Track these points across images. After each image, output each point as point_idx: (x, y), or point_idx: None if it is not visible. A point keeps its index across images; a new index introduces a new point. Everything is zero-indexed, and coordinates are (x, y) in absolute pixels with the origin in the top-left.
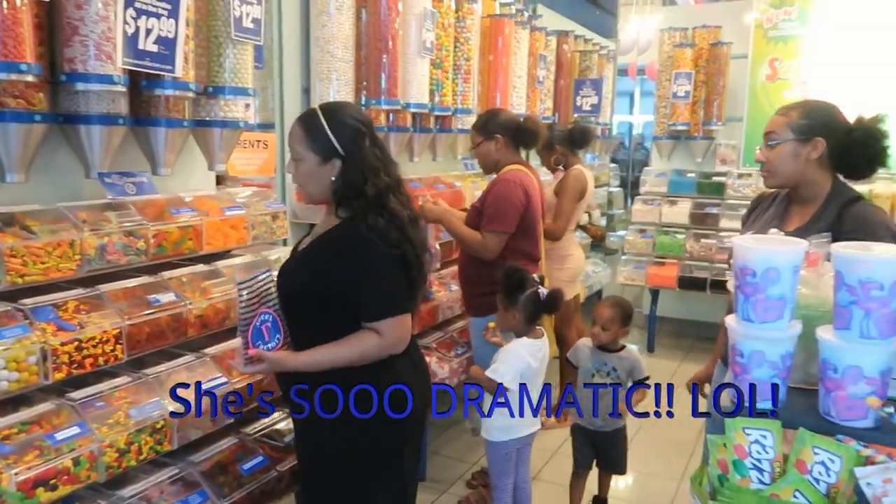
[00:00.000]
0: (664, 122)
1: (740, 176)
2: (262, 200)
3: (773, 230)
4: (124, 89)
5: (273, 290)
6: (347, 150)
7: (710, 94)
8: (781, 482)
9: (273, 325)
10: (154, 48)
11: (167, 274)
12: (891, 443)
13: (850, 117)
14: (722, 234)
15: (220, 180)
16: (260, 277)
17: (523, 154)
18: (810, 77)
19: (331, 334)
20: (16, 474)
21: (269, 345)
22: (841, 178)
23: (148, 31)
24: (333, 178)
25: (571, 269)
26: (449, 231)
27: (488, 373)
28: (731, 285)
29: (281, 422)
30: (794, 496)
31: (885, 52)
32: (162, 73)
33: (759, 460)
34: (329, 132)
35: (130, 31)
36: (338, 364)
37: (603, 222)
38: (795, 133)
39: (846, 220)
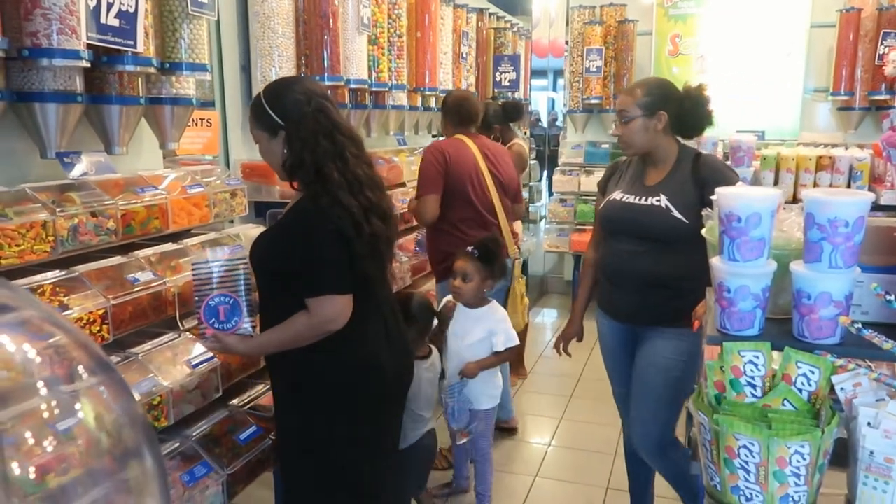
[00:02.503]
0: (578, 97)
1: None
2: (216, 178)
3: (658, 199)
4: (88, 65)
5: (242, 272)
6: (288, 120)
7: (620, 69)
8: (772, 394)
9: (233, 307)
10: (116, 22)
11: (139, 253)
12: (856, 354)
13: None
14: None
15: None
16: (233, 261)
17: None
18: (707, 51)
19: (286, 313)
20: (25, 462)
21: (226, 325)
22: (679, 139)
23: (109, 5)
24: (285, 150)
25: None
26: None
27: (503, 345)
28: (706, 232)
29: (266, 394)
30: (783, 404)
31: (762, 29)
32: (124, 48)
33: (752, 377)
34: (267, 107)
35: (92, 4)
36: (276, 346)
37: (525, 194)
38: (642, 109)
39: (702, 169)
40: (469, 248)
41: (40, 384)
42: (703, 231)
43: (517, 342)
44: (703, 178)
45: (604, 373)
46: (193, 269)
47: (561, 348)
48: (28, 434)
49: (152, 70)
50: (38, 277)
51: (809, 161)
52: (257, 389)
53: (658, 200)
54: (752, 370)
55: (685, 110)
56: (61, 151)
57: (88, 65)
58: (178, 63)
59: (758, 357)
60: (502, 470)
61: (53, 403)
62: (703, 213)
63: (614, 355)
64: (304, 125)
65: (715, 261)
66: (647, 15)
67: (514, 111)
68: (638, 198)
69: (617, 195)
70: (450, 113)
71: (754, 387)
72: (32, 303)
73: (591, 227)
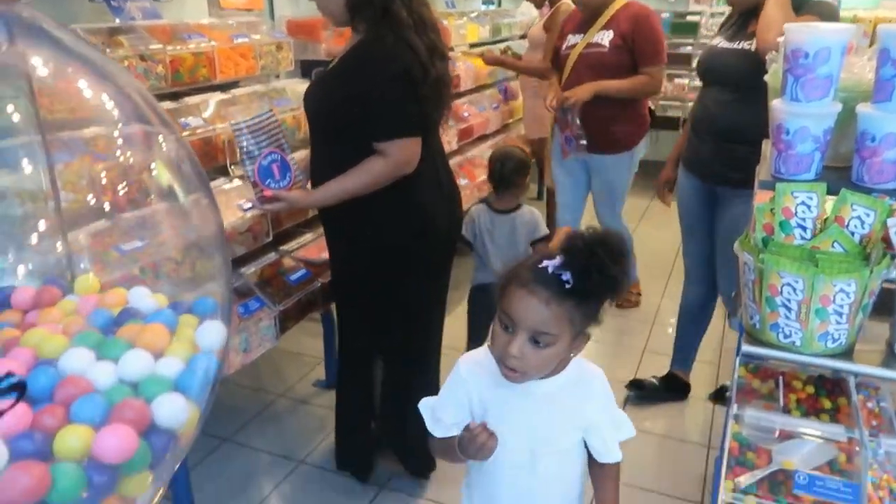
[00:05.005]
0: None
1: (713, 15)
2: (261, 31)
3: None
4: None
5: (279, 129)
6: None
7: None
8: (822, 236)
9: (283, 164)
10: None
11: (189, 100)
12: None
13: None
14: (695, 73)
15: None
16: (263, 117)
17: None
18: None
19: (351, 160)
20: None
21: (282, 183)
22: None
23: None
24: None
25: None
26: (611, 94)
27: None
28: (769, 77)
29: (314, 241)
30: (833, 246)
31: None
32: None
33: (803, 219)
34: None
35: None
36: (351, 193)
37: None
38: None
39: (804, 7)
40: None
41: None
42: (767, 76)
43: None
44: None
45: (647, 248)
46: (236, 132)
47: (659, 195)
48: None
49: None
50: (86, 132)
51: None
52: (306, 236)
53: (750, 44)
54: (803, 212)
55: None
56: None
57: None
58: None
59: (811, 198)
60: None
61: None
62: (767, 56)
63: (692, 213)
64: None
65: (776, 102)
66: None
67: None
68: (733, 42)
69: (716, 41)
70: None
71: (804, 229)
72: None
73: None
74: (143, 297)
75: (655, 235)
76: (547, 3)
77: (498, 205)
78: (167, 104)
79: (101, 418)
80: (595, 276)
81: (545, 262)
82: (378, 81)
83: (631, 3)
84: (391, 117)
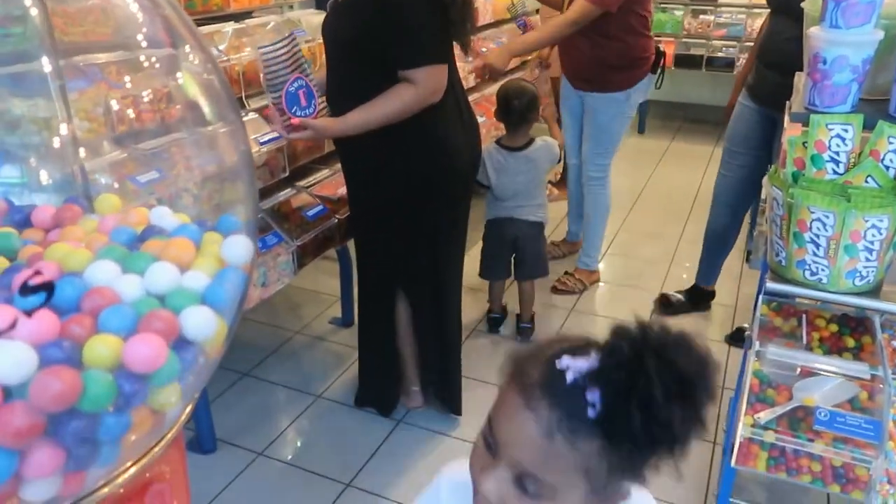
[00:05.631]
0: None
1: None
2: None
3: None
4: None
5: (301, 55)
6: None
7: None
8: (855, 170)
9: (308, 91)
10: None
11: (203, 29)
12: None
13: None
14: (721, 9)
15: None
16: (285, 41)
17: None
18: None
19: (374, 88)
20: None
21: (308, 110)
22: None
23: None
24: None
25: None
26: (535, 47)
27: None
28: (806, 4)
29: (330, 178)
30: (866, 181)
31: None
32: None
33: (837, 153)
34: None
35: None
36: (380, 121)
37: None
38: None
39: None
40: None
41: None
42: (804, 3)
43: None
44: None
45: (666, 189)
46: (262, 55)
47: (725, 119)
48: None
49: None
50: (102, 57)
51: None
52: (323, 173)
53: None
54: (837, 145)
55: None
56: None
57: None
58: None
59: (846, 130)
60: (555, 272)
61: None
62: None
63: (742, 137)
64: None
65: (813, 30)
66: None
67: None
68: None
69: None
70: None
71: (837, 163)
72: None
73: (667, 39)
74: (166, 216)
75: (674, 176)
76: None
77: (511, 142)
78: None
79: (129, 328)
80: (638, 412)
81: (565, 361)
82: (406, 6)
83: None
84: (420, 44)
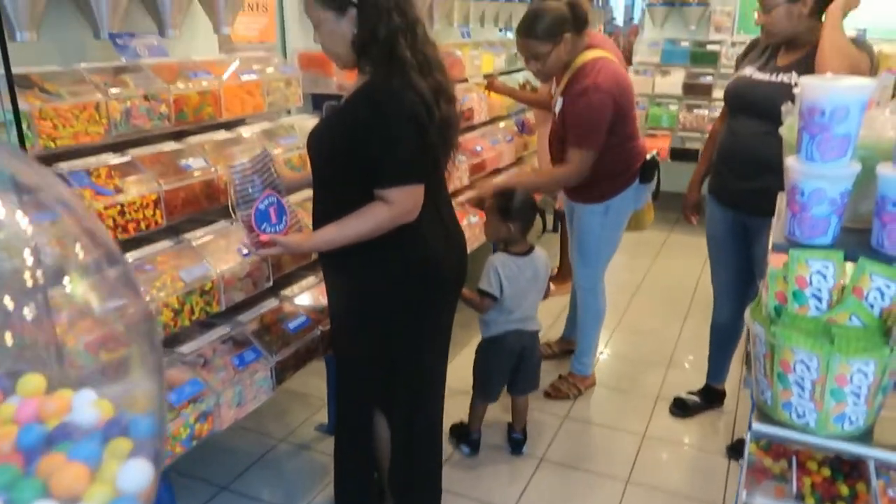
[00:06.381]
0: None
1: (734, 45)
2: (271, 66)
3: (789, 75)
4: None
5: (274, 171)
6: None
7: None
8: (839, 308)
9: (279, 207)
10: None
11: (192, 140)
12: None
13: None
14: (715, 104)
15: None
16: (255, 159)
17: None
18: None
19: (351, 205)
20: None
21: (279, 227)
22: None
23: None
24: (355, 31)
25: None
26: (538, 189)
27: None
28: (783, 130)
29: (316, 286)
30: (850, 319)
31: None
32: None
33: (818, 290)
34: None
35: None
36: (352, 239)
37: None
38: None
39: None
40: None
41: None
42: (782, 129)
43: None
44: None
45: (662, 284)
46: (233, 174)
47: (686, 216)
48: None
49: None
50: (92, 160)
51: None
52: (308, 281)
53: (788, 78)
54: (818, 281)
55: None
56: (114, 33)
57: None
58: None
59: (827, 267)
60: (552, 374)
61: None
62: (782, 108)
63: (721, 242)
64: (378, 2)
65: (790, 160)
66: None
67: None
68: (768, 75)
69: (748, 71)
70: (566, 23)
71: (819, 299)
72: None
73: (663, 133)
74: (87, 407)
75: (673, 268)
76: None
77: (520, 248)
78: (170, 145)
79: None
80: None
81: None
82: (383, 126)
83: (585, 70)
84: (395, 163)
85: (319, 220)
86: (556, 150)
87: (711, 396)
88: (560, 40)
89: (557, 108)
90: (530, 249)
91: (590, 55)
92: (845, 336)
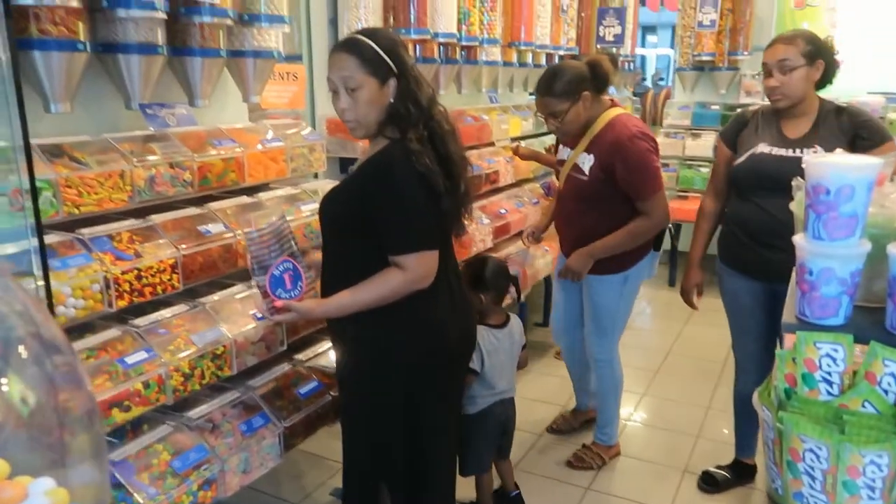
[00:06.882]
0: (688, 53)
1: None
2: (297, 133)
3: (814, 150)
4: (164, 16)
5: (291, 236)
6: (399, 67)
7: (737, 23)
8: (851, 393)
9: (294, 272)
10: None
11: (214, 205)
12: None
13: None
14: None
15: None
16: (275, 224)
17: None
18: (840, 3)
19: (361, 269)
20: None
21: (293, 293)
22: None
23: None
24: (392, 100)
25: None
26: (615, 250)
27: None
28: (794, 206)
29: (330, 350)
30: (863, 406)
31: None
32: None
33: (829, 373)
34: (381, 52)
35: None
36: (366, 305)
37: None
38: (805, 58)
39: (852, 120)
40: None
41: None
42: (792, 205)
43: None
44: (854, 130)
45: (694, 349)
46: (250, 240)
47: (689, 300)
48: None
49: (230, 21)
50: (115, 225)
51: None
52: (322, 345)
53: (815, 152)
54: (828, 365)
55: (832, 59)
56: (144, 103)
57: (165, 16)
58: (256, 15)
59: (836, 350)
60: (574, 443)
61: None
62: (792, 182)
63: (748, 313)
64: (411, 73)
65: (798, 238)
66: None
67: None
68: (790, 150)
69: (763, 148)
70: (585, 81)
71: (830, 384)
72: None
73: (694, 195)
74: (40, 497)
75: (705, 333)
76: None
77: (496, 320)
78: (191, 210)
79: None
80: None
81: None
82: (397, 193)
83: (614, 123)
84: (411, 230)
85: (329, 283)
86: (577, 209)
87: (742, 471)
88: (578, 98)
89: (587, 166)
90: (507, 320)
91: (615, 111)
92: (857, 424)
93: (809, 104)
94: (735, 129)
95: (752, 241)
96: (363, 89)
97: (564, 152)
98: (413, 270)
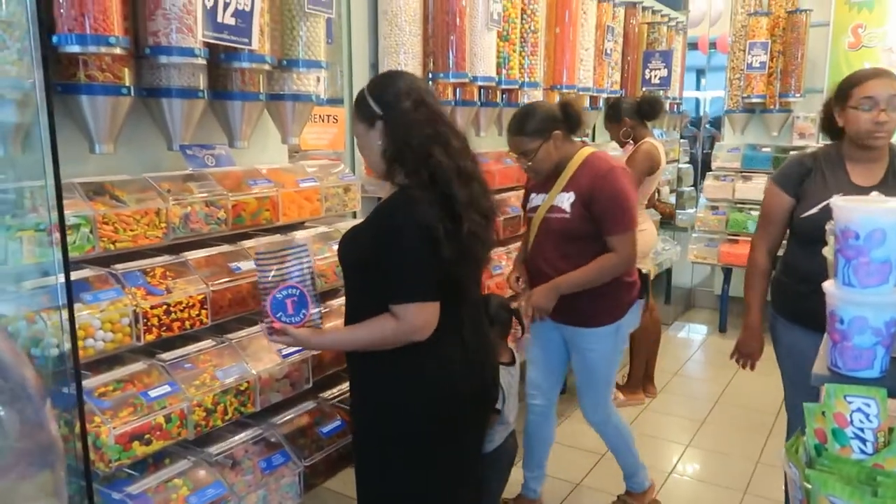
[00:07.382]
0: (737, 95)
1: None
2: (333, 173)
3: (874, 194)
4: (204, 62)
5: (308, 266)
6: (386, 109)
7: (788, 65)
8: (886, 452)
9: (300, 300)
10: (232, 21)
11: (246, 243)
12: None
13: None
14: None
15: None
16: (292, 251)
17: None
18: None
19: (381, 307)
20: (114, 428)
21: (293, 318)
22: None
23: (226, 5)
24: (380, 142)
25: (643, 244)
26: (582, 286)
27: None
28: (827, 251)
29: None
30: None
31: None
32: (239, 45)
33: (861, 430)
34: (368, 97)
35: (209, 4)
36: (358, 346)
37: (672, 199)
38: None
39: None
40: None
41: None
42: (825, 250)
43: None
44: None
45: (744, 399)
46: (257, 262)
47: (743, 365)
48: None
49: (267, 67)
50: (147, 261)
51: None
52: (348, 383)
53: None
54: (860, 420)
55: None
56: (185, 144)
57: (204, 62)
58: (295, 60)
59: (868, 405)
60: (608, 492)
61: None
62: (826, 227)
63: (807, 365)
64: (403, 113)
65: (826, 285)
66: (824, 4)
67: (649, 110)
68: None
69: (838, 200)
70: (556, 121)
71: (864, 441)
72: None
73: (744, 239)
74: None
75: (757, 383)
76: (630, 141)
77: (506, 358)
78: (223, 248)
79: None
80: None
81: None
82: (394, 239)
83: (591, 160)
84: (406, 280)
85: (350, 316)
86: (557, 252)
87: None
88: (549, 137)
89: (567, 204)
90: (514, 357)
91: (589, 150)
92: (892, 487)
93: (886, 147)
94: (798, 177)
95: (815, 293)
96: (357, 134)
97: (537, 199)
98: (406, 321)
